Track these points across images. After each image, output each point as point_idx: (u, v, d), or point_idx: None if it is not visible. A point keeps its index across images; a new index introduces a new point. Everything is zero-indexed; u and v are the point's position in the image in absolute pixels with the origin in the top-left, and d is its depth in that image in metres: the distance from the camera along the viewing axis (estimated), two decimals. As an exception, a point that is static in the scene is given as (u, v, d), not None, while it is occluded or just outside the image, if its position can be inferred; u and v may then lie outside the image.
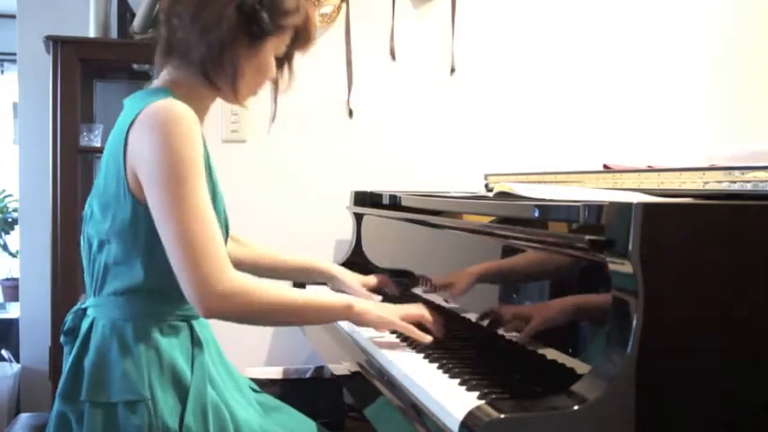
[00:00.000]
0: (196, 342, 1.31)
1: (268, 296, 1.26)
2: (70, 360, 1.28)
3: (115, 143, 1.27)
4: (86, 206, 1.34)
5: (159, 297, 1.28)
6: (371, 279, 1.78)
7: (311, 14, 1.40)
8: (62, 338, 1.35)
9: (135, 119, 1.23)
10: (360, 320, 1.39)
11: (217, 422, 1.27)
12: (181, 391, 1.25)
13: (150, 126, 1.21)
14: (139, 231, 1.24)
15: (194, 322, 1.33)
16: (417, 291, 1.73)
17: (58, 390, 1.28)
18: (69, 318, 1.35)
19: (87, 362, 1.25)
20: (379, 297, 1.68)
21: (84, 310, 1.33)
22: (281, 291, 1.29)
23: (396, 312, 1.40)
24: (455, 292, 1.55)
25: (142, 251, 1.25)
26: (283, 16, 1.33)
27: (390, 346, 1.43)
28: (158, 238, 1.23)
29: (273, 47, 1.36)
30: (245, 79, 1.34)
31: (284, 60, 1.43)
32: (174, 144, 1.19)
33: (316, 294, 1.38)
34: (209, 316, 1.23)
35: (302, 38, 1.40)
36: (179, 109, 1.22)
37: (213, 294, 1.18)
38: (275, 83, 1.45)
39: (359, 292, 1.69)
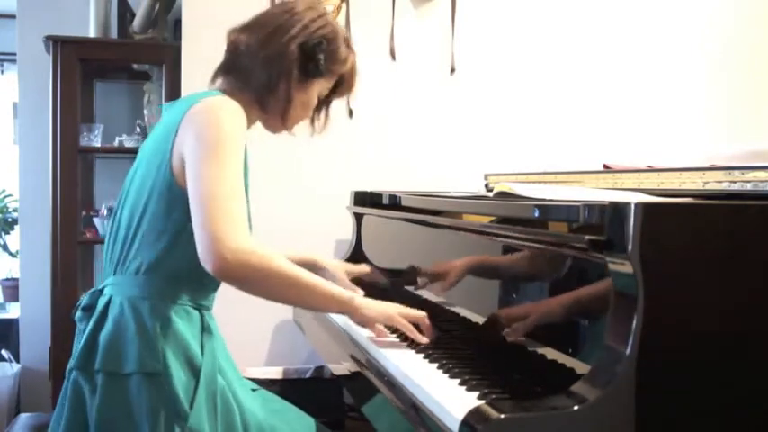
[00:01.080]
0: (207, 330, 1.35)
1: (279, 266, 1.27)
2: (86, 333, 1.33)
3: (163, 133, 1.35)
4: (122, 189, 1.41)
5: (177, 281, 1.33)
6: (357, 267, 1.83)
7: (355, 65, 1.57)
8: (78, 314, 1.38)
9: (186, 112, 1.31)
10: (358, 314, 1.40)
11: (224, 406, 1.31)
12: (193, 369, 1.29)
13: (201, 111, 1.31)
14: (172, 214, 1.30)
15: (206, 313, 1.37)
16: (411, 288, 1.73)
17: (74, 362, 1.32)
18: (86, 297, 1.39)
19: (103, 334, 1.30)
20: (362, 291, 1.65)
21: (101, 290, 1.37)
22: (291, 264, 1.30)
23: (397, 309, 1.42)
24: (450, 279, 1.55)
25: (170, 234, 1.31)
26: (335, 63, 1.49)
27: (390, 345, 1.43)
28: (186, 224, 1.28)
29: (319, 87, 1.50)
30: (293, 112, 1.47)
31: (323, 104, 1.57)
32: (217, 120, 1.29)
33: (324, 281, 1.38)
34: (219, 273, 1.21)
35: (344, 85, 1.56)
36: (229, 101, 1.35)
37: (226, 251, 1.19)
38: (311, 122, 1.59)
39: (342, 282, 1.72)
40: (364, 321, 1.43)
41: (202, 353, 1.31)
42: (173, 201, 1.30)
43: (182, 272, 1.32)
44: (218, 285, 1.41)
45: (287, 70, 1.42)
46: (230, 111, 1.32)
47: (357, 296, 1.41)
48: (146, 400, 1.25)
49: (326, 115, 1.60)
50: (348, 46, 1.53)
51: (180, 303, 1.32)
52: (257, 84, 1.43)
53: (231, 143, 1.28)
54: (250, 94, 1.43)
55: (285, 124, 1.51)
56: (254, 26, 1.46)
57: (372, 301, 1.42)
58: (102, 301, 1.34)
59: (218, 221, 1.20)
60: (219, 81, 1.48)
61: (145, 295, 1.31)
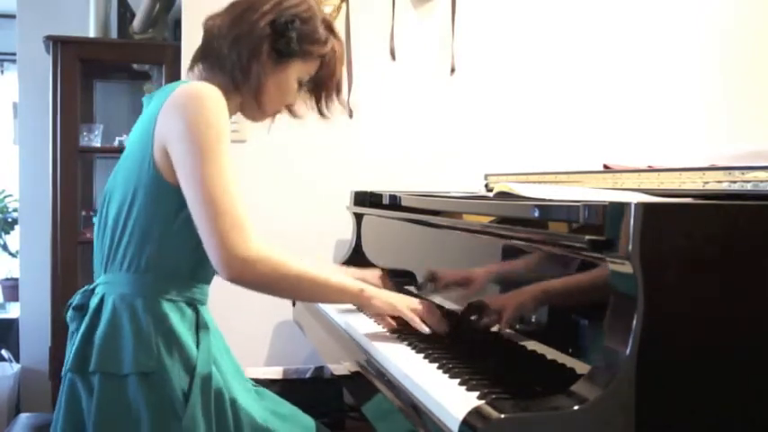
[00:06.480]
0: (202, 325, 1.34)
1: (292, 268, 1.31)
2: (80, 333, 1.31)
3: (144, 126, 1.32)
4: (107, 186, 1.39)
5: (170, 277, 1.32)
6: (369, 273, 1.80)
7: (338, 50, 1.48)
8: (69, 314, 1.37)
9: (164, 102, 1.29)
10: (368, 305, 1.45)
11: (217, 402, 1.31)
12: (187, 366, 1.28)
13: (181, 101, 1.28)
14: (159, 210, 1.29)
15: (201, 307, 1.36)
16: (415, 290, 1.73)
17: (69, 364, 1.31)
18: (78, 296, 1.38)
19: (98, 334, 1.29)
20: (378, 272, 1.75)
21: (93, 289, 1.36)
22: (304, 265, 1.34)
23: (404, 301, 1.46)
24: (457, 293, 1.55)
25: (158, 230, 1.29)
26: (311, 43, 1.42)
27: (390, 345, 1.43)
28: (175, 219, 1.28)
29: (297, 71, 1.44)
30: (267, 95, 1.42)
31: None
32: (204, 114, 1.25)
33: (333, 274, 1.44)
34: (233, 279, 1.26)
35: (326, 70, 1.47)
36: (209, 88, 1.30)
37: (240, 257, 1.22)
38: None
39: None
40: (373, 312, 1.49)
41: (197, 349, 1.30)
42: (159, 196, 1.29)
43: (173, 267, 1.32)
44: (211, 278, 1.40)
45: (257, 48, 1.38)
46: (211, 99, 1.28)
47: (367, 287, 1.45)
48: (143, 399, 1.24)
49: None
50: (329, 29, 1.46)
51: (173, 300, 1.31)
52: (230, 65, 1.38)
53: (221, 136, 1.26)
54: (224, 77, 1.39)
55: (261, 108, 1.45)
56: (229, 8, 1.42)
57: (382, 291, 1.47)
58: (94, 301, 1.33)
59: (228, 228, 1.22)
60: (196, 70, 1.44)
61: (137, 293, 1.29)
